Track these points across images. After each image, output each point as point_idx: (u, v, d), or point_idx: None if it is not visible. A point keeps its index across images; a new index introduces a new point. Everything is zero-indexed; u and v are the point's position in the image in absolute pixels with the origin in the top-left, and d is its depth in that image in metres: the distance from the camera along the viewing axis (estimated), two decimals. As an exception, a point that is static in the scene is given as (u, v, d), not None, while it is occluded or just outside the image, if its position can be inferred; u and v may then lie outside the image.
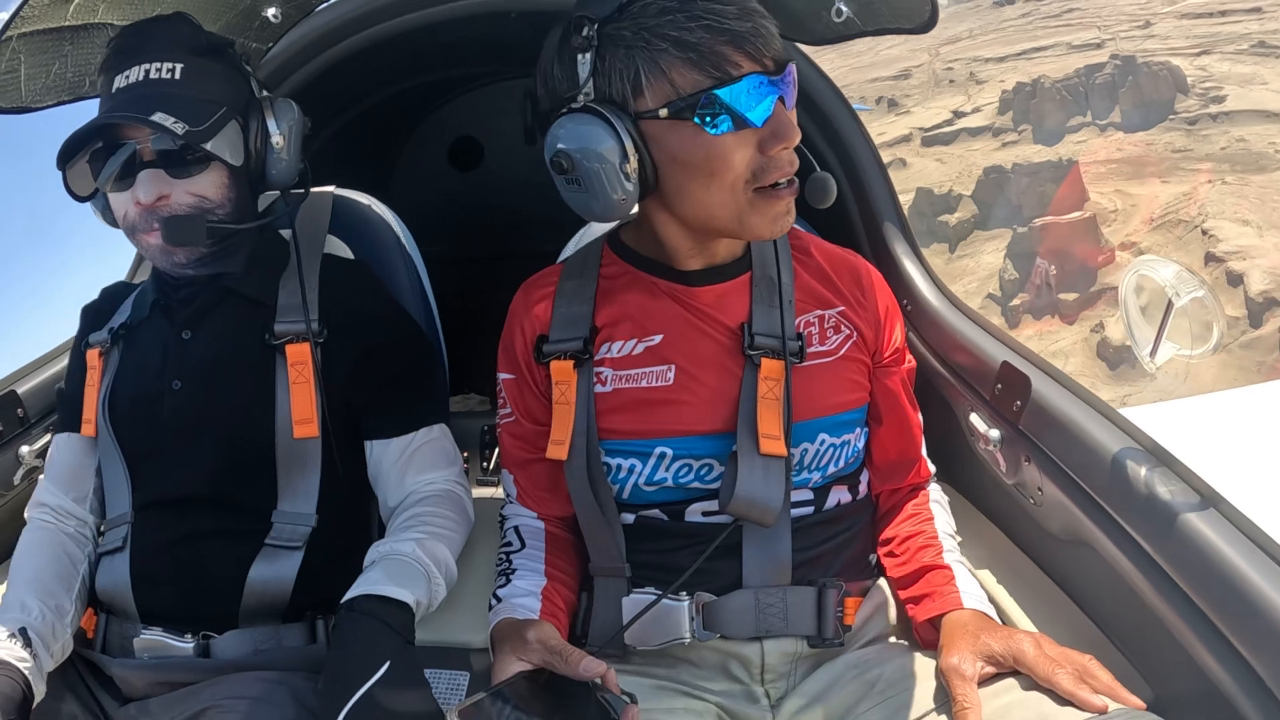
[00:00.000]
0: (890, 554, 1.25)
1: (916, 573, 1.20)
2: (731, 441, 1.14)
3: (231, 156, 1.28)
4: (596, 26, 1.02)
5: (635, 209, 1.18)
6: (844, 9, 1.39)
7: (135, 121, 1.20)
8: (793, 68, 1.05)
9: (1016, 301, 52.04)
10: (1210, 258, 46.11)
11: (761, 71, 1.01)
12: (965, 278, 56.56)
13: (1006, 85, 74.67)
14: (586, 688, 0.97)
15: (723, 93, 0.99)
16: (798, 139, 1.05)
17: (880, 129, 77.77)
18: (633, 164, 1.04)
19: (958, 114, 76.99)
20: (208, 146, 1.23)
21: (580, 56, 1.03)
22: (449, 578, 1.30)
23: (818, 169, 1.13)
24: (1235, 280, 43.53)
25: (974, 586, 1.16)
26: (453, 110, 2.66)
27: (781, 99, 1.03)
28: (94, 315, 1.48)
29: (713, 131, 1.01)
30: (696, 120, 1.01)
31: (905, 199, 58.74)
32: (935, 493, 1.32)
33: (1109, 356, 42.33)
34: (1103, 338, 43.87)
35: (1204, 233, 49.37)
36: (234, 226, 1.30)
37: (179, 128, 1.19)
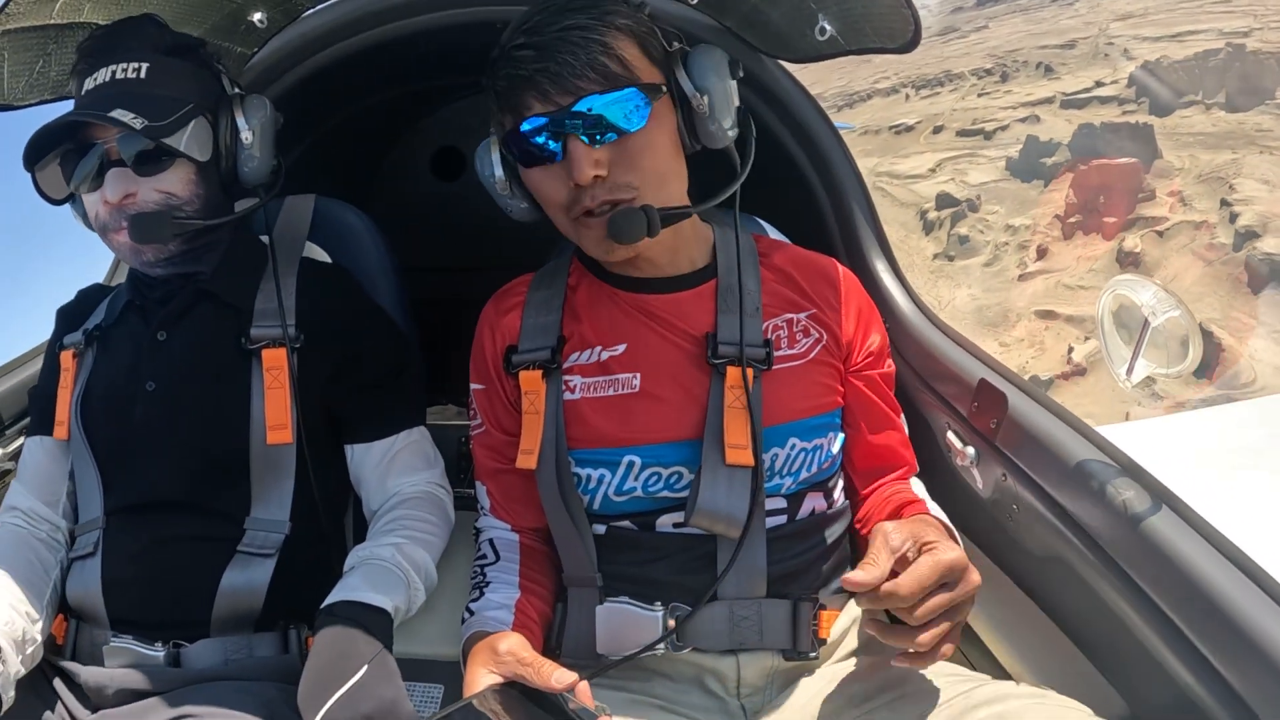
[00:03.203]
0: (867, 513, 1.26)
1: (893, 510, 1.21)
2: (700, 448, 1.14)
3: (198, 153, 1.27)
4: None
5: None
6: (828, 28, 1.40)
7: (92, 118, 1.20)
8: (592, 102, 1.06)
9: (1073, 219, 64.04)
10: (1223, 202, 58.68)
11: (547, 113, 1.08)
12: (1049, 205, 68.18)
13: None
14: (558, 701, 0.96)
15: (523, 131, 1.10)
16: (589, 176, 1.08)
17: (1029, 90, 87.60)
18: (502, 182, 1.19)
19: (1099, 84, 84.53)
20: (169, 141, 1.23)
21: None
22: (428, 582, 1.30)
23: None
24: (1233, 218, 56.74)
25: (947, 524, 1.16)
26: (437, 120, 2.66)
27: (578, 136, 1.08)
28: (69, 317, 1.46)
29: (523, 167, 1.15)
30: (509, 156, 1.16)
31: (1017, 148, 73.42)
32: (918, 485, 1.31)
33: (1122, 260, 57.56)
34: (1121, 248, 58.58)
35: (1230, 186, 60.77)
36: (201, 222, 1.29)
37: (137, 123, 1.18)
